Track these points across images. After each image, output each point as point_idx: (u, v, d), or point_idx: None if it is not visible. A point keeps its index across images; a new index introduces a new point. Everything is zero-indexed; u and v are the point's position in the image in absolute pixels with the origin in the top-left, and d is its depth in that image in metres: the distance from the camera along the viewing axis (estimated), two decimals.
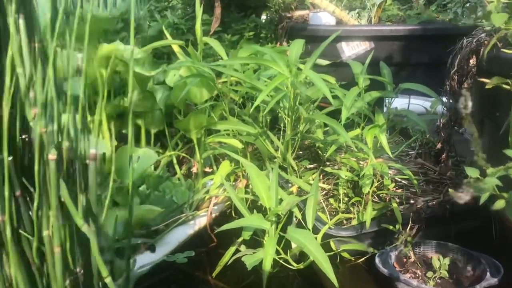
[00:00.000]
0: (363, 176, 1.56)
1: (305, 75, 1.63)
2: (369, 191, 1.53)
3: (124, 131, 2.20)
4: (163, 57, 2.56)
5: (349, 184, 1.62)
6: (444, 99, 2.40)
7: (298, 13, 2.90)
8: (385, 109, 2.40)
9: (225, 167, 1.74)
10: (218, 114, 2.09)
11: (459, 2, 2.57)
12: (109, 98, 2.12)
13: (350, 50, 2.40)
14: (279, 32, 2.65)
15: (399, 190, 1.68)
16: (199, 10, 2.06)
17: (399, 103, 2.44)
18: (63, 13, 0.81)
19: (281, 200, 1.46)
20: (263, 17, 2.93)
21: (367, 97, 1.59)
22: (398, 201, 1.63)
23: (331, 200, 1.67)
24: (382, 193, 1.63)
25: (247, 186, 1.82)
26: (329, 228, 1.51)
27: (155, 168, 2.00)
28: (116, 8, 2.60)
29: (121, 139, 2.31)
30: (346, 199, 1.62)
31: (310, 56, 1.88)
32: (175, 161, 2.04)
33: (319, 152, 1.86)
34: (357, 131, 1.60)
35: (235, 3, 2.92)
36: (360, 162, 1.72)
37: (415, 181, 1.49)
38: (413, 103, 2.34)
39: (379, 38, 2.33)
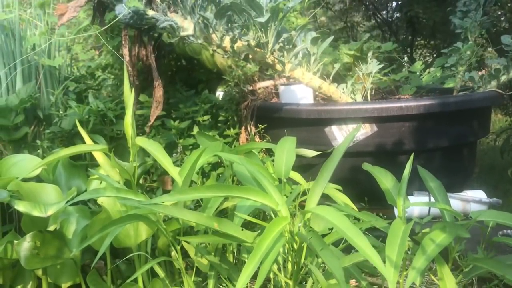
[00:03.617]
0: None
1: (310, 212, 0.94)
2: None
3: (20, 287, 1.41)
4: (84, 157, 1.81)
5: None
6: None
7: (261, 84, 2.25)
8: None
9: None
10: (160, 245, 1.35)
11: (464, 64, 2.01)
12: None
13: (344, 135, 1.75)
14: (243, 113, 1.97)
15: None
16: (129, 96, 1.36)
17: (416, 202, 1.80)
18: None
19: None
20: (219, 93, 2.27)
21: (428, 245, 0.90)
22: None
23: None
24: None
25: None
26: None
27: None
28: (16, 94, 1.86)
29: None
30: None
31: None
32: None
33: None
34: None
35: (181, 77, 2.24)
36: None
37: None
38: None
39: (384, 119, 1.70)
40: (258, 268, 0.86)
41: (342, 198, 1.21)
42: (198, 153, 1.15)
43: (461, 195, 1.76)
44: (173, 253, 1.41)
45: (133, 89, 1.40)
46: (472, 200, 1.73)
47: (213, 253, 1.28)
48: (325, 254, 0.76)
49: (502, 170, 2.86)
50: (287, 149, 1.15)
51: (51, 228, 1.32)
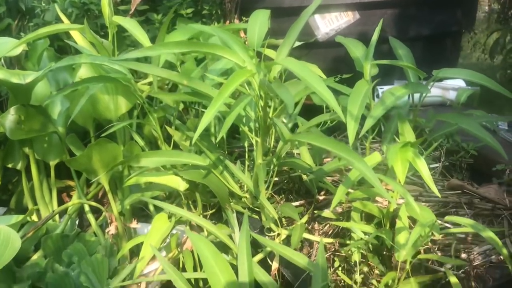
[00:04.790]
0: (389, 230, 0.94)
1: (279, 67, 0.98)
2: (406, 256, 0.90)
3: (10, 165, 1.48)
4: (69, 50, 1.82)
5: (369, 245, 0.98)
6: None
7: None
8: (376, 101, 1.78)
9: (159, 226, 1.06)
10: (147, 132, 1.41)
11: None
12: None
13: (327, 24, 1.75)
14: (227, 6, 1.96)
15: (439, 237, 1.06)
16: None
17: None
18: None
19: None
20: None
21: (387, 97, 0.94)
22: (439, 253, 1.02)
23: (336, 263, 1.04)
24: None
25: None
26: None
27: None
28: None
29: (7, 176, 1.59)
30: (365, 268, 0.98)
31: (274, 37, 1.25)
32: (87, 208, 1.34)
33: (306, 180, 1.21)
34: (376, 156, 0.96)
35: None
36: (377, 200, 1.08)
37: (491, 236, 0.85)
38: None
39: (367, 6, 1.69)
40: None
41: (315, 70, 1.24)
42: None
43: (441, 83, 1.79)
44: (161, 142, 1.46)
45: None
46: (451, 88, 1.77)
47: (192, 130, 1.34)
48: (282, 91, 0.80)
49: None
50: (259, 20, 1.16)
51: None
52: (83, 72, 1.25)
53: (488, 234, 0.82)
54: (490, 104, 1.92)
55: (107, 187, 1.13)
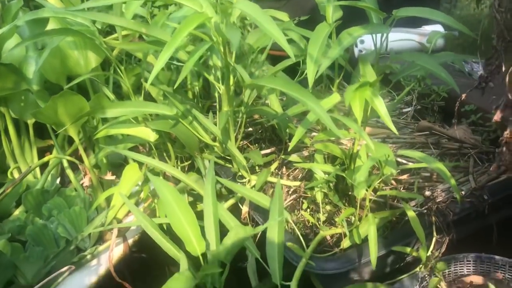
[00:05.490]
0: (352, 170, 0.96)
1: (239, 12, 0.97)
2: (365, 194, 0.92)
3: None
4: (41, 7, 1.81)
5: (329, 184, 1.00)
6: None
7: None
8: (356, 51, 1.77)
9: (130, 175, 1.08)
10: (125, 90, 1.42)
11: None
12: None
13: None
14: None
15: (405, 176, 1.09)
16: None
17: (369, 39, 1.81)
18: None
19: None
20: None
21: (345, 38, 0.94)
22: (402, 190, 1.05)
23: (304, 205, 1.06)
24: (381, 186, 1.03)
25: None
26: (308, 262, 0.90)
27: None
28: None
29: None
30: (328, 207, 1.01)
31: None
32: (66, 164, 1.36)
33: (277, 128, 1.22)
34: (336, 97, 0.97)
35: None
36: (342, 142, 1.10)
37: (445, 171, 0.87)
38: (395, 39, 1.72)
39: None
40: None
41: (280, 16, 1.24)
42: None
43: (419, 29, 1.78)
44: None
45: None
46: (428, 33, 1.75)
47: (166, 84, 1.35)
48: (230, 32, 0.80)
49: (486, 40, 2.81)
50: None
51: None
52: (51, 28, 1.24)
53: (436, 165, 0.84)
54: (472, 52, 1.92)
55: (76, 140, 1.15)
